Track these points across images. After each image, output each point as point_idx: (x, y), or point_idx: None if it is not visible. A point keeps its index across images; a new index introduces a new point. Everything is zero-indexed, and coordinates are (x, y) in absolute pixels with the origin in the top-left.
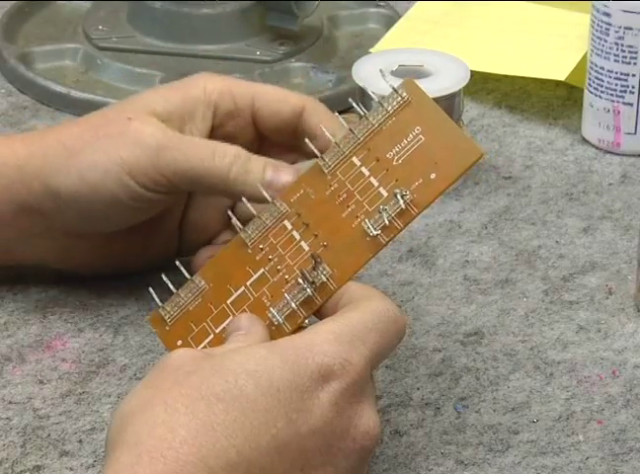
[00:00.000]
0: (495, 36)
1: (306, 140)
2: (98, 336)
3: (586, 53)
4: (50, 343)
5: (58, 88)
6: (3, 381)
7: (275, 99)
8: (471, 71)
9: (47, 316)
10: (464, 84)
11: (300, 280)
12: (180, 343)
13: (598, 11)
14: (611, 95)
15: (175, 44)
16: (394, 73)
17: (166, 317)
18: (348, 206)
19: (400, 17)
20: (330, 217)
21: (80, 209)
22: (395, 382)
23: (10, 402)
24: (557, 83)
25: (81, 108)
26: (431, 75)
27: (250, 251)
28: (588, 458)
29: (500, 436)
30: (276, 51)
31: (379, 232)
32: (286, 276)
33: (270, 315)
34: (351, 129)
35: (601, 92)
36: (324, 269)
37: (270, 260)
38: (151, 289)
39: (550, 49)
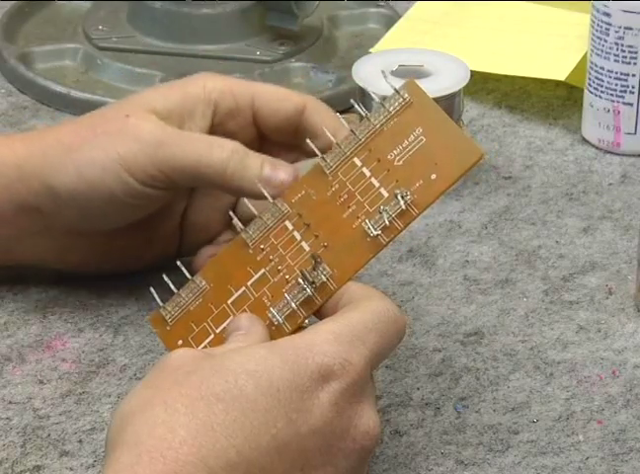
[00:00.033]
0: (495, 36)
1: (308, 141)
2: (98, 336)
3: (586, 53)
4: (50, 343)
5: (58, 88)
6: (3, 381)
7: (275, 98)
8: (471, 71)
9: (47, 316)
10: (464, 84)
11: (300, 280)
12: (180, 343)
13: (598, 11)
14: (611, 95)
15: (175, 44)
16: (394, 73)
17: (167, 317)
18: (349, 207)
19: (400, 17)
20: (331, 218)
21: (79, 207)
22: (395, 382)
23: (10, 402)
24: (557, 83)
25: (81, 108)
26: (431, 75)
27: (251, 251)
28: (588, 458)
29: (500, 436)
30: (276, 51)
31: (379, 232)
32: (287, 277)
33: (270, 315)
34: (352, 130)
35: (601, 92)
36: (324, 269)
37: (270, 260)
38: (152, 289)
39: (550, 49)
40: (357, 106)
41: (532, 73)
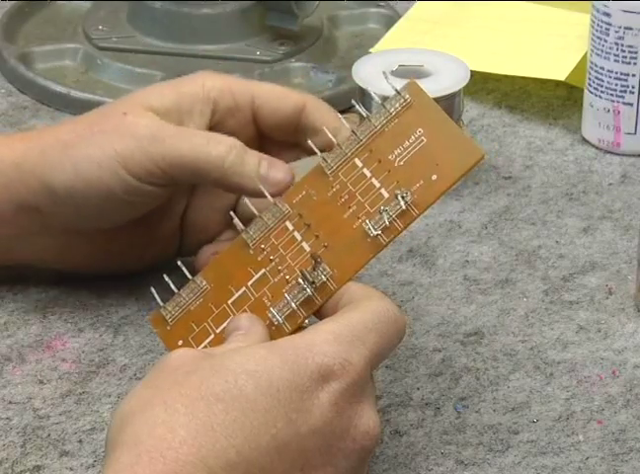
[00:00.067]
0: (495, 36)
1: (309, 142)
2: (98, 336)
3: (586, 53)
4: (50, 343)
5: (58, 88)
6: (3, 381)
7: (275, 96)
8: (471, 71)
9: (47, 316)
10: (464, 84)
11: (300, 281)
12: (180, 343)
13: (598, 11)
14: (611, 95)
15: (175, 44)
16: (394, 73)
17: (167, 317)
18: (349, 207)
19: (400, 17)
20: (331, 218)
21: (76, 205)
22: (395, 382)
23: (10, 402)
24: (557, 83)
25: (81, 108)
26: (431, 75)
27: (251, 251)
28: (588, 458)
29: (500, 436)
30: (276, 51)
31: (380, 233)
32: (287, 277)
33: (270, 315)
34: (353, 131)
35: (601, 92)
36: (324, 269)
37: (271, 260)
38: (153, 289)
39: (550, 49)
40: (358, 106)
41: (532, 73)
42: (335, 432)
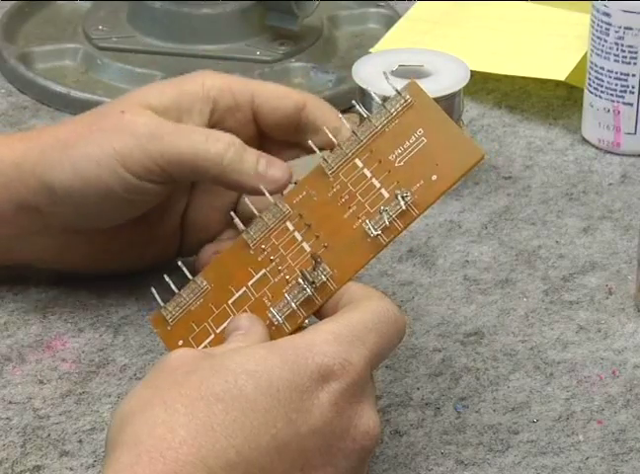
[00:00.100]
0: (495, 36)
1: (310, 142)
2: (98, 336)
3: (586, 53)
4: (50, 343)
5: (58, 88)
6: (3, 381)
7: (275, 95)
8: (471, 71)
9: (47, 316)
10: (464, 84)
11: (300, 281)
12: (181, 343)
13: (598, 11)
14: (611, 95)
15: (175, 44)
16: (394, 73)
17: (168, 317)
18: (349, 208)
19: (400, 17)
20: (332, 218)
21: (75, 204)
22: (395, 382)
23: (10, 402)
24: (557, 83)
25: (81, 108)
26: (431, 75)
27: (252, 252)
28: (588, 458)
29: (500, 436)
30: (276, 51)
31: (380, 233)
32: (287, 277)
33: (270, 315)
34: (354, 131)
35: (601, 92)
36: (324, 269)
37: (271, 260)
38: (154, 290)
39: (550, 49)
40: (358, 107)
41: (532, 73)
42: (335, 432)
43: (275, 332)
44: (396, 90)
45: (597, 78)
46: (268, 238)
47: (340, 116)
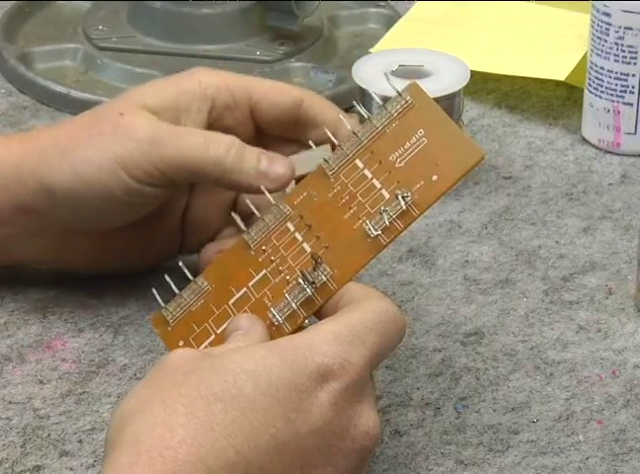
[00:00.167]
0: (495, 36)
1: (310, 142)
2: (98, 336)
3: (586, 53)
4: (50, 343)
5: (58, 88)
6: (3, 381)
7: (273, 92)
8: (471, 71)
9: (47, 316)
10: (464, 84)
11: (301, 281)
12: (181, 343)
13: (598, 11)
14: (611, 95)
15: (175, 44)
16: (394, 73)
17: (168, 318)
18: (350, 208)
19: (400, 17)
20: (332, 219)
21: (75, 206)
22: (395, 382)
23: (10, 402)
24: (557, 83)
25: (81, 108)
26: (431, 75)
27: (253, 252)
28: (588, 458)
29: (500, 436)
30: (276, 51)
31: (380, 233)
32: (288, 278)
33: (270, 315)
34: (354, 132)
35: (601, 92)
36: (324, 269)
37: (272, 261)
38: (154, 291)
39: (550, 49)
40: (358, 107)
41: (532, 73)
42: (334, 431)
43: (275, 332)
44: (397, 91)
45: (597, 78)
46: (268, 239)
47: (339, 110)
